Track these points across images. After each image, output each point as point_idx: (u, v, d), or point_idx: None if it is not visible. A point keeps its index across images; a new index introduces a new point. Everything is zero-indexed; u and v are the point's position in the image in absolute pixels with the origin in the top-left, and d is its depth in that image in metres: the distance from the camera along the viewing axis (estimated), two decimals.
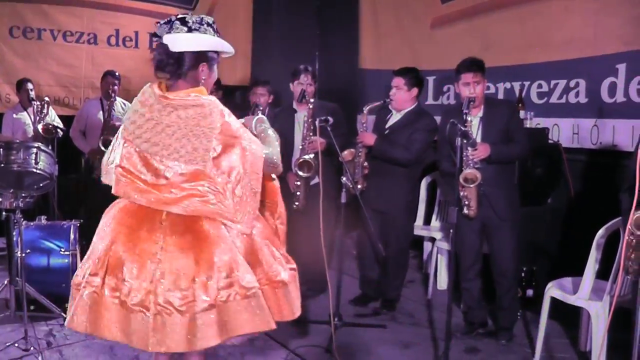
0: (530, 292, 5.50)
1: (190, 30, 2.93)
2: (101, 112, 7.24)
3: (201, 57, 2.98)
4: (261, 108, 5.93)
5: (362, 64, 8.63)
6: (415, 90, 5.41)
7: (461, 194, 4.64)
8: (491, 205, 4.74)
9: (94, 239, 3.01)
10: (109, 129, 7.04)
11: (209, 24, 2.98)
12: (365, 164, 5.41)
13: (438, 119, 5.86)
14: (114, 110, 7.19)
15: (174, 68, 2.96)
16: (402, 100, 5.40)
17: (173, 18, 2.95)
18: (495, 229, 4.82)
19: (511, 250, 4.83)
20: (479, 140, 4.69)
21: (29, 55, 8.16)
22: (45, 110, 7.06)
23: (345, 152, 5.26)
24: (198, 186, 2.81)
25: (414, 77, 5.42)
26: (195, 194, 2.81)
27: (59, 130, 6.85)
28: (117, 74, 7.36)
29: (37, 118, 7.04)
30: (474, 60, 4.78)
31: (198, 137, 2.81)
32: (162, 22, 2.97)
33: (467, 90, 4.68)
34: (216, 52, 3.05)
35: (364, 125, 5.43)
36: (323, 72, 7.55)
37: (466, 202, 4.67)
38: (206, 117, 2.82)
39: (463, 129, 4.37)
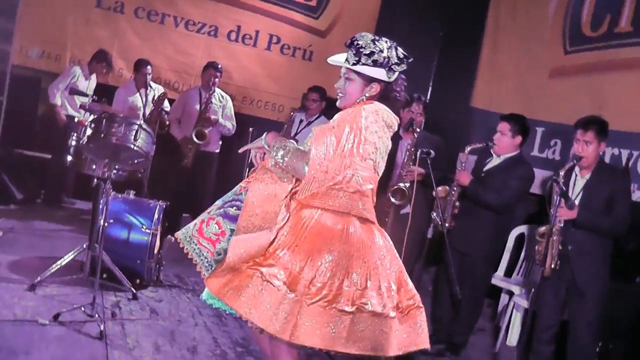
0: None
1: None
2: (199, 104, 7.36)
3: None
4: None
5: (473, 102, 8.46)
6: (519, 138, 5.25)
7: (536, 247, 4.52)
8: (574, 272, 4.54)
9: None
10: (203, 121, 7.19)
11: None
12: (457, 203, 5.28)
13: (539, 172, 5.69)
14: (211, 102, 7.31)
15: None
16: (504, 145, 5.24)
17: None
18: (576, 296, 4.61)
19: (588, 323, 4.59)
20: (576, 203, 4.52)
21: (149, 37, 8.46)
22: (162, 103, 7.25)
23: (440, 188, 5.15)
24: None
25: (520, 124, 5.26)
26: None
27: (165, 116, 7.10)
28: (219, 66, 7.45)
29: (153, 107, 7.21)
30: (592, 118, 4.59)
31: None
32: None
33: (577, 147, 4.53)
34: None
35: (463, 164, 5.29)
36: (433, 103, 7.48)
37: (539, 257, 4.54)
38: None
39: (564, 189, 4.26)
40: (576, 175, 4.61)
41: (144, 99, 7.43)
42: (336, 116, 2.96)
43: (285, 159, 2.87)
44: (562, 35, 7.38)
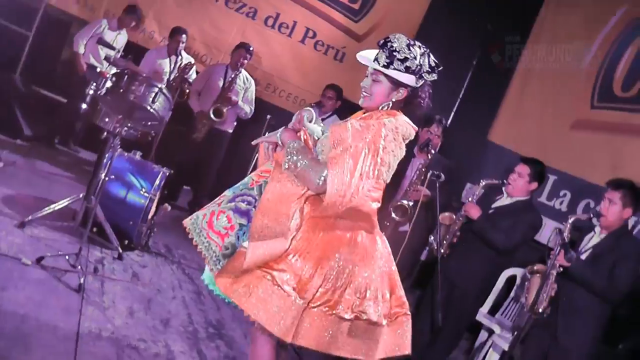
0: None
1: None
2: (222, 80, 7.31)
3: None
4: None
5: (491, 136, 8.39)
6: (534, 184, 5.17)
7: (526, 284, 4.56)
8: (559, 325, 4.49)
9: None
10: (223, 99, 7.14)
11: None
12: (458, 233, 5.22)
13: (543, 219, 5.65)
14: (235, 83, 7.27)
15: None
16: (519, 188, 5.14)
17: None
18: (558, 350, 4.56)
19: None
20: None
21: (188, 6, 8.40)
22: (188, 72, 7.26)
23: (446, 215, 5.07)
24: None
25: (540, 171, 5.18)
26: None
27: (186, 86, 7.06)
28: (251, 48, 7.40)
29: (178, 74, 7.23)
30: (626, 181, 4.49)
31: None
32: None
33: (601, 204, 4.45)
34: None
35: (475, 196, 5.22)
36: (452, 127, 7.45)
37: (526, 295, 4.54)
38: None
39: (565, 240, 4.24)
40: (594, 232, 4.52)
41: (171, 66, 7.42)
42: (354, 124, 2.83)
43: (299, 165, 2.81)
44: (591, 89, 7.31)
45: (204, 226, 2.95)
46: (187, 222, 3.03)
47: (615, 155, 6.53)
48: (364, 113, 3.02)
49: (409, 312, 3.03)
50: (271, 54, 8.67)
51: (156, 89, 4.82)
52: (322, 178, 2.73)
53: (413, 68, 2.86)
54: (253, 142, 3.23)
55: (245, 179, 3.08)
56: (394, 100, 2.93)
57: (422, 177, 5.27)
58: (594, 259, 4.44)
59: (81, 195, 4.96)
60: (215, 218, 2.94)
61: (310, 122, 3.07)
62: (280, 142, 2.96)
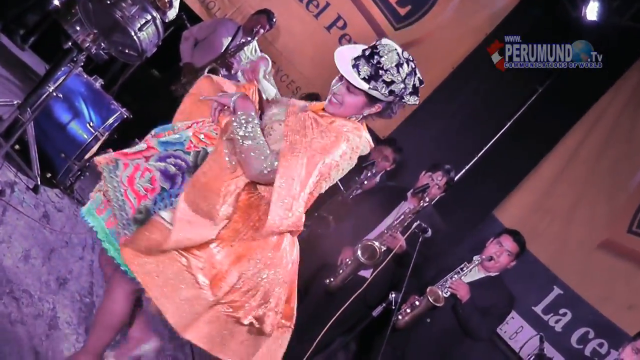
0: None
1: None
2: (229, 40, 7.14)
3: None
4: (374, 171, 5.84)
5: (497, 211, 8.30)
6: (513, 264, 5.23)
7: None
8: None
9: None
10: (222, 62, 6.99)
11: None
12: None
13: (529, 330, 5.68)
14: (243, 50, 7.12)
15: None
16: (501, 267, 5.19)
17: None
18: None
19: None
20: None
21: None
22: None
23: (436, 295, 4.99)
24: None
25: (523, 252, 5.28)
26: None
27: (171, 8, 6.81)
28: (274, 20, 7.28)
29: None
30: None
31: None
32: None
33: (628, 356, 4.37)
34: None
35: (464, 271, 5.17)
36: (457, 185, 7.41)
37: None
38: None
39: (545, 354, 4.49)
40: None
41: None
42: (317, 126, 2.88)
43: (245, 143, 2.78)
44: (634, 211, 7.29)
45: (123, 181, 2.94)
46: (101, 164, 3.02)
47: (637, 292, 6.54)
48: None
49: (292, 327, 3.17)
50: (288, 30, 8.47)
51: (149, 17, 4.74)
52: (269, 169, 2.77)
53: (396, 92, 2.86)
54: (201, 97, 3.20)
55: (181, 136, 3.07)
56: (365, 114, 2.98)
57: (406, 225, 5.21)
58: None
59: (15, 102, 4.79)
60: (140, 175, 2.94)
61: (265, 77, 3.19)
62: (232, 108, 2.92)
